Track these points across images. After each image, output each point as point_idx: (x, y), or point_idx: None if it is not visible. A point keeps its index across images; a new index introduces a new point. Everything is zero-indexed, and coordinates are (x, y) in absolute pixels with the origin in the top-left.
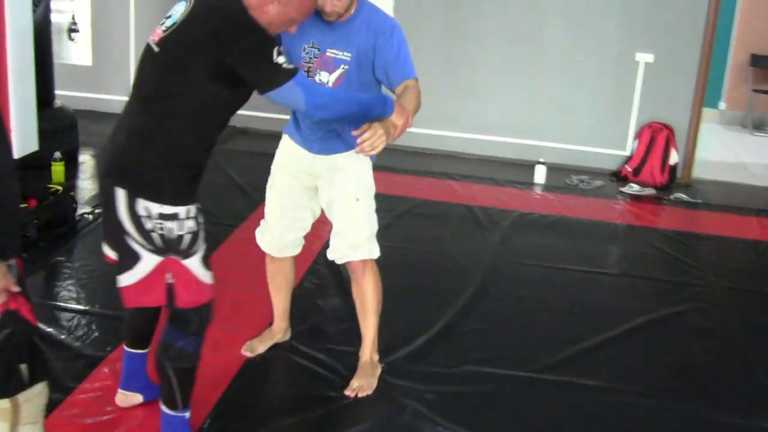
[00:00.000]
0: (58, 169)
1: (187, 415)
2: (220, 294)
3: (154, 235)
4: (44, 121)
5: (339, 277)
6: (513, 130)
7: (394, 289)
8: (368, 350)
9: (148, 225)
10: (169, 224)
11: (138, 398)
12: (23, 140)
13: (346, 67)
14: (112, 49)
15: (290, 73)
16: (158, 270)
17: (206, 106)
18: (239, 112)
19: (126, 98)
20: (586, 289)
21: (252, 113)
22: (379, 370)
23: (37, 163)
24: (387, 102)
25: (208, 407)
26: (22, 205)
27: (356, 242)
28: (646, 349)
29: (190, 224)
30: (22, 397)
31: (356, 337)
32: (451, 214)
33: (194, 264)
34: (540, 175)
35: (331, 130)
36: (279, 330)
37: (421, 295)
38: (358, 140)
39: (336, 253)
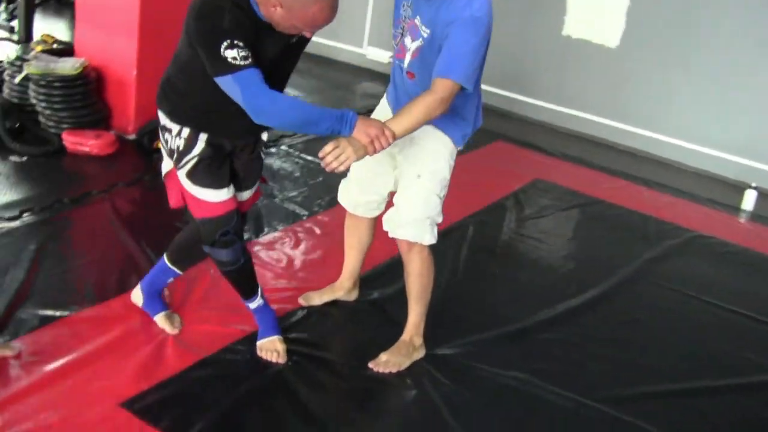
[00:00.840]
0: None
1: (252, 304)
2: None
3: (163, 142)
4: None
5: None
6: (727, 144)
7: (497, 278)
8: (409, 331)
9: (160, 132)
10: (166, 135)
11: (139, 301)
12: None
13: (422, 43)
14: None
15: (231, 68)
16: (172, 173)
17: (194, 62)
18: None
19: None
20: (720, 332)
21: None
22: (417, 355)
23: None
24: (344, 120)
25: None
26: None
27: (404, 220)
28: (740, 411)
29: (179, 142)
30: None
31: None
32: (621, 219)
33: (181, 176)
34: (749, 201)
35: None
36: (342, 288)
37: (520, 291)
38: (320, 154)
39: (387, 224)
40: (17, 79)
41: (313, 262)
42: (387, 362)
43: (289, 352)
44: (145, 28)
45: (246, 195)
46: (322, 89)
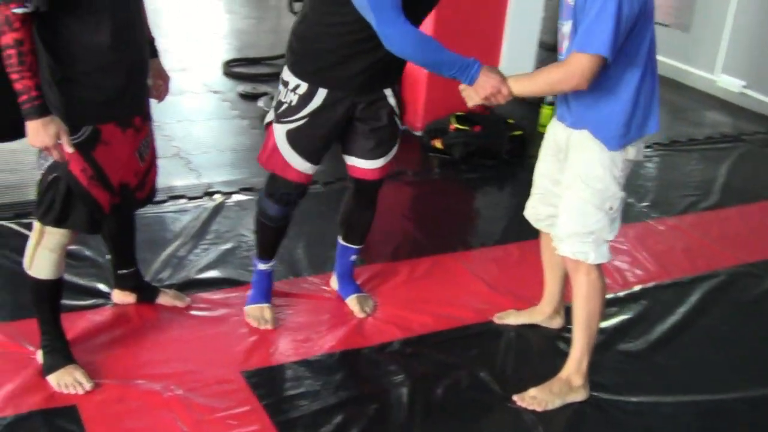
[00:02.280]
0: (546, 113)
1: (262, 266)
2: None
3: (276, 94)
4: None
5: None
6: None
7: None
8: (567, 368)
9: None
10: (281, 88)
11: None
12: None
13: (571, 22)
14: None
15: None
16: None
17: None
18: None
19: None
20: None
21: None
22: (573, 397)
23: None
24: (467, 70)
25: None
26: (464, 128)
27: (560, 234)
28: None
29: (292, 97)
30: (48, 228)
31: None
32: None
33: (280, 130)
34: None
35: (564, 93)
36: (541, 312)
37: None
38: None
39: (553, 240)
40: None
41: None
42: (533, 399)
43: (434, 364)
44: (439, 27)
45: (371, 164)
46: (661, 118)
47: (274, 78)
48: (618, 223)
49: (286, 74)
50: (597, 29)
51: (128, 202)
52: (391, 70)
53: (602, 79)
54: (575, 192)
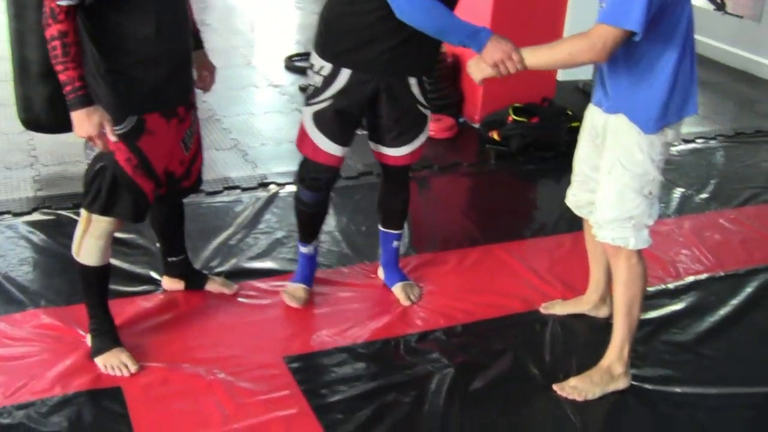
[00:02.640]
0: None
1: (304, 249)
2: None
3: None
4: None
5: None
6: None
7: None
8: (608, 356)
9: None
10: (308, 71)
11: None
12: None
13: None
14: None
15: None
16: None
17: None
18: None
19: None
20: None
21: None
22: (615, 386)
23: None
24: (476, 37)
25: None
26: (522, 119)
27: (599, 220)
28: None
29: (317, 79)
30: (95, 216)
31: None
32: None
33: (308, 113)
34: None
35: (601, 77)
36: (588, 301)
37: None
38: None
39: (593, 227)
40: None
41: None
42: (574, 388)
43: (476, 352)
44: (498, 19)
45: (395, 152)
46: (727, 109)
47: None
48: (657, 207)
49: (313, 57)
50: (627, 2)
51: (174, 190)
52: (417, 56)
53: (639, 60)
54: (614, 177)
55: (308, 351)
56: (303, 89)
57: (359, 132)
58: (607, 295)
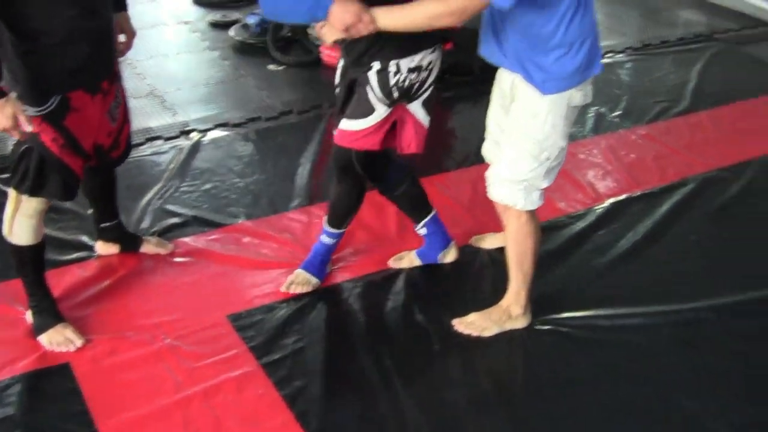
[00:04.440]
0: None
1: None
2: None
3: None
4: None
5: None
6: None
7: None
8: (507, 299)
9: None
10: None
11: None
12: None
13: None
14: None
15: None
16: (403, 116)
17: None
18: None
19: None
20: None
21: None
22: (512, 324)
23: None
24: (319, 4)
25: None
26: None
27: (492, 179)
28: None
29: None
30: (24, 195)
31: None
32: None
33: (420, 107)
34: None
35: (495, 32)
36: None
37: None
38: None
39: (486, 182)
40: None
41: None
42: (471, 323)
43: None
44: None
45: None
46: (633, 20)
47: (244, 4)
48: (556, 171)
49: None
50: None
51: (104, 162)
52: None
53: (527, 26)
54: (512, 139)
55: (250, 307)
56: (214, 25)
57: (275, 68)
58: None
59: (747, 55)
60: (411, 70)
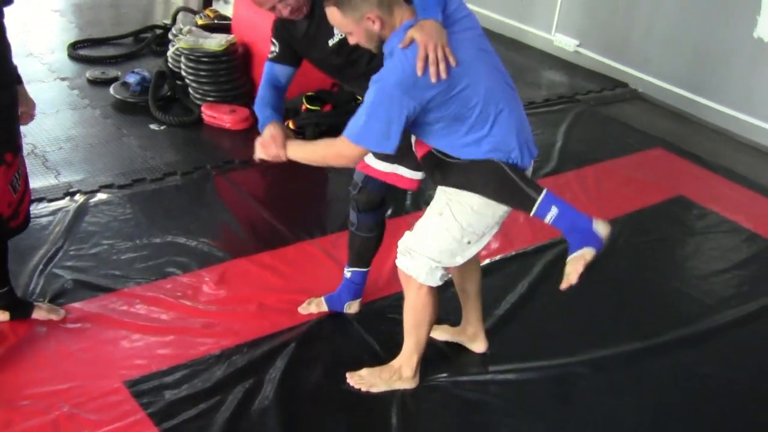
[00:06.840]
0: None
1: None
2: None
3: None
4: None
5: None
6: None
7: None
8: (399, 359)
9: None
10: None
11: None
12: None
13: None
14: None
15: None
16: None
17: None
18: None
19: None
20: None
21: None
22: (400, 385)
23: None
24: (262, 126)
25: None
26: (315, 108)
27: (403, 247)
28: None
29: None
30: None
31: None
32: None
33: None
34: None
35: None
36: (464, 333)
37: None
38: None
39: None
40: (170, 51)
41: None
42: (360, 378)
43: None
44: None
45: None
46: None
47: (123, 60)
48: (471, 251)
49: None
50: (356, 121)
51: (2, 231)
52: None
53: (444, 136)
54: (437, 220)
55: (147, 372)
56: (93, 82)
57: (156, 128)
58: (479, 329)
59: (607, 116)
60: None
